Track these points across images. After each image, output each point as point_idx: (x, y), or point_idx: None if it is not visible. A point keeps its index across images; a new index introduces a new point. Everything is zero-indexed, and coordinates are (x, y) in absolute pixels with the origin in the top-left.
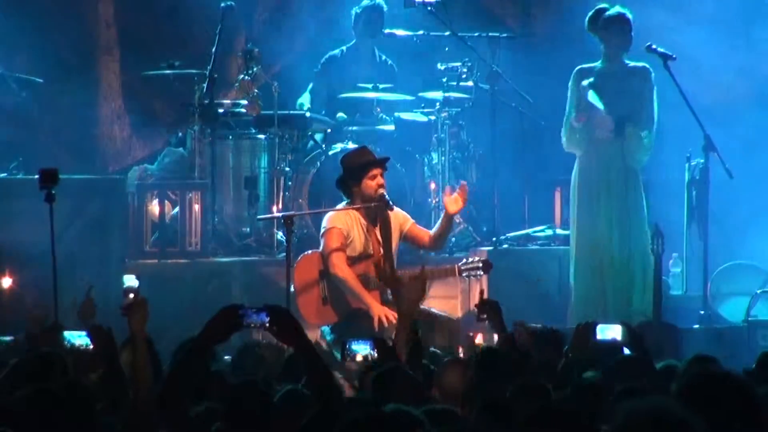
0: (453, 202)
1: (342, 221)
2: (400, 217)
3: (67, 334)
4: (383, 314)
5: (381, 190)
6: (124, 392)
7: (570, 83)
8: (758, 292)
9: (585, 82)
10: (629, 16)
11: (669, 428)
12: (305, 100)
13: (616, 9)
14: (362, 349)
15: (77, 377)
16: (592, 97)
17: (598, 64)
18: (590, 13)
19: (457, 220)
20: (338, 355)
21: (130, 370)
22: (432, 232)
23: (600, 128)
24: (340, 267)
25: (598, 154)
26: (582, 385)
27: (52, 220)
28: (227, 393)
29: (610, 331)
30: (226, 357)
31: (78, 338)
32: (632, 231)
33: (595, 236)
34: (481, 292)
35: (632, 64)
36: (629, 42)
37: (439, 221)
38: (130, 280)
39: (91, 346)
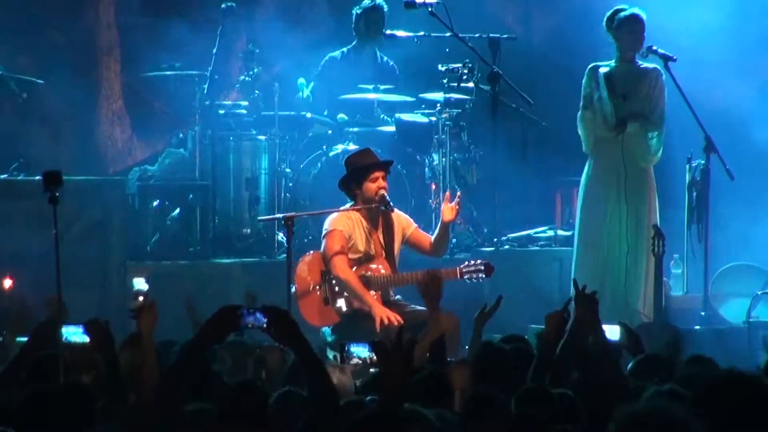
0: (448, 210)
1: (343, 223)
2: (402, 221)
3: (64, 330)
4: (385, 315)
5: (381, 192)
6: (122, 389)
7: (584, 80)
8: (759, 293)
9: (603, 70)
10: (642, 16)
11: (669, 430)
12: (307, 88)
13: (630, 10)
14: (361, 352)
15: (77, 377)
16: (602, 83)
17: (611, 63)
18: (608, 13)
19: (458, 221)
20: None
21: (131, 369)
22: (432, 238)
23: (601, 125)
24: (341, 269)
25: (605, 154)
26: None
27: (56, 222)
28: (226, 394)
29: (608, 332)
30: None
31: (75, 334)
32: (639, 232)
33: (599, 236)
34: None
35: (644, 65)
36: (640, 42)
37: (437, 228)
38: (140, 284)
39: (88, 341)
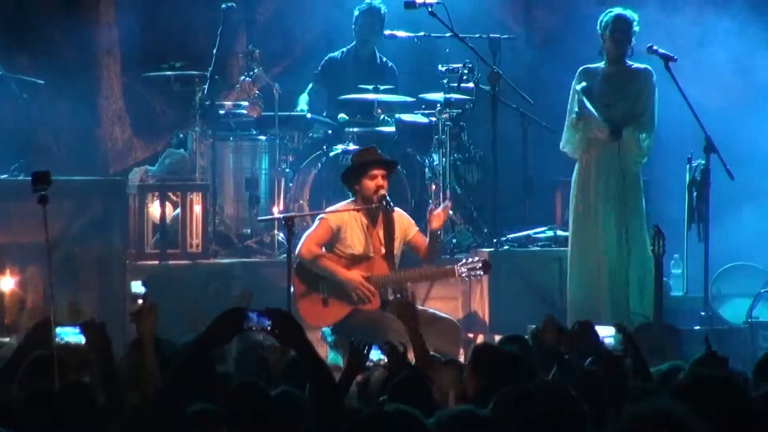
0: (435, 218)
1: (336, 218)
2: (404, 222)
3: (59, 330)
4: (360, 290)
5: (381, 192)
6: (120, 390)
7: (573, 83)
8: (762, 291)
9: (578, 87)
10: (629, 17)
11: (673, 430)
12: (303, 101)
13: (617, 10)
14: (372, 355)
15: (78, 378)
16: (584, 101)
17: (601, 64)
18: (601, 16)
19: (459, 222)
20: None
21: (134, 371)
22: (424, 248)
23: (596, 131)
24: (307, 249)
25: (596, 156)
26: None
27: (46, 222)
28: (228, 394)
29: (602, 332)
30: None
31: (71, 335)
32: (630, 232)
33: (592, 238)
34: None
35: (635, 65)
36: (625, 43)
37: (427, 240)
38: (137, 287)
39: (84, 341)
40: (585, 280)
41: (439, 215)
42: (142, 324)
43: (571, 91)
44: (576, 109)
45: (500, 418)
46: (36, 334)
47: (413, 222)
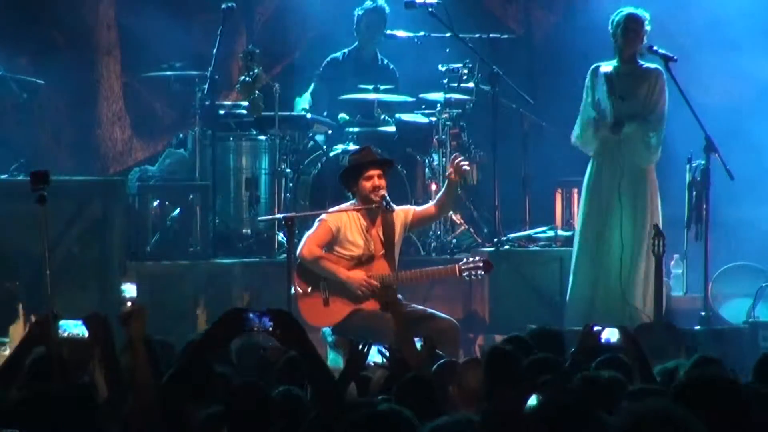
0: (455, 168)
1: (335, 219)
2: (401, 214)
3: (63, 323)
4: (363, 286)
5: (381, 192)
6: (123, 382)
7: (587, 81)
8: (764, 285)
9: (605, 69)
10: (638, 16)
11: (672, 431)
12: (304, 101)
13: (628, 9)
14: (372, 354)
15: (75, 376)
16: (602, 82)
17: (613, 62)
18: (612, 15)
19: (458, 221)
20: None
21: (128, 372)
22: (435, 201)
23: (603, 127)
24: (308, 250)
25: (610, 154)
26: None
27: (45, 221)
28: (229, 394)
29: (606, 334)
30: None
31: (74, 327)
32: (639, 232)
33: (599, 237)
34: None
35: (646, 65)
36: (637, 42)
37: (443, 189)
38: (129, 290)
39: (87, 335)
40: (587, 278)
41: (458, 167)
42: (132, 327)
43: (585, 89)
44: (594, 116)
45: (491, 426)
46: (35, 332)
47: (409, 207)
